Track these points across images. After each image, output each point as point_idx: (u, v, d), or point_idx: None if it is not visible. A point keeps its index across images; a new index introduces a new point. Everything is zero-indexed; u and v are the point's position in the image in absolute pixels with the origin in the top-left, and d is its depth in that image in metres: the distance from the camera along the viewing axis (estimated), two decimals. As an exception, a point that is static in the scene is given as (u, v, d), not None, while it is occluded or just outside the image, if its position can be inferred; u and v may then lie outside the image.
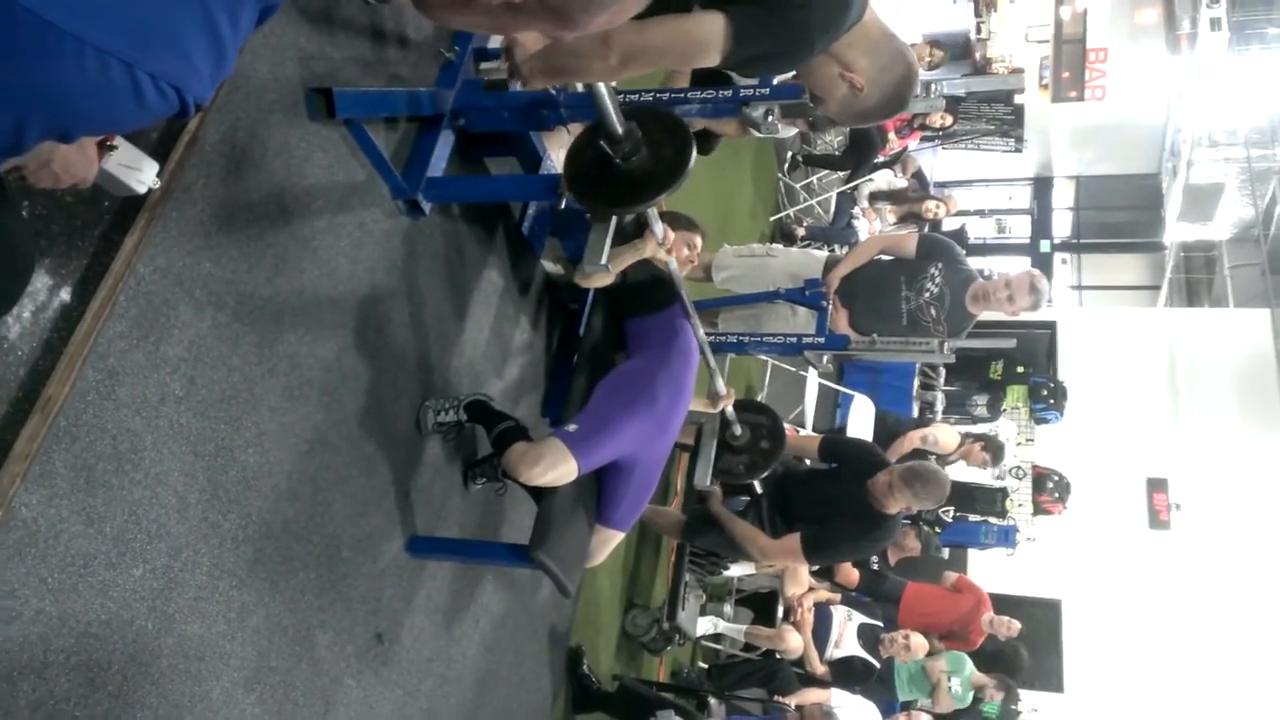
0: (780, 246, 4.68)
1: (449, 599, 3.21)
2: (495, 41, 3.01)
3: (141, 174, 1.74)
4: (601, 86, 2.14)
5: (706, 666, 5.63)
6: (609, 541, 3.24)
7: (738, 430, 3.95)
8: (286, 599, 2.42)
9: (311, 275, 2.47)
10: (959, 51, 6.88)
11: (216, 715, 2.21)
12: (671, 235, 3.03)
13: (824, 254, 4.46)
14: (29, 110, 0.77)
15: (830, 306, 3.98)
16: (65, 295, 1.84)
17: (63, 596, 1.83)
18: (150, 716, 2.03)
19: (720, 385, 3.65)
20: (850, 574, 6.02)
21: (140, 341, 1.97)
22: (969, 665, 5.98)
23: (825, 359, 3.94)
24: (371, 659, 2.79)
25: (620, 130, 2.25)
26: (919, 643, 5.77)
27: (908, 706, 5.69)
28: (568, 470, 2.82)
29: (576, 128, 2.80)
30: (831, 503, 3.97)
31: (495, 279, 3.38)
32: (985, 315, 4.17)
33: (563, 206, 2.77)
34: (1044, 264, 11.16)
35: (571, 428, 2.90)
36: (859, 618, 5.90)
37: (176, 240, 2.04)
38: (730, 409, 3.82)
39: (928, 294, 4.03)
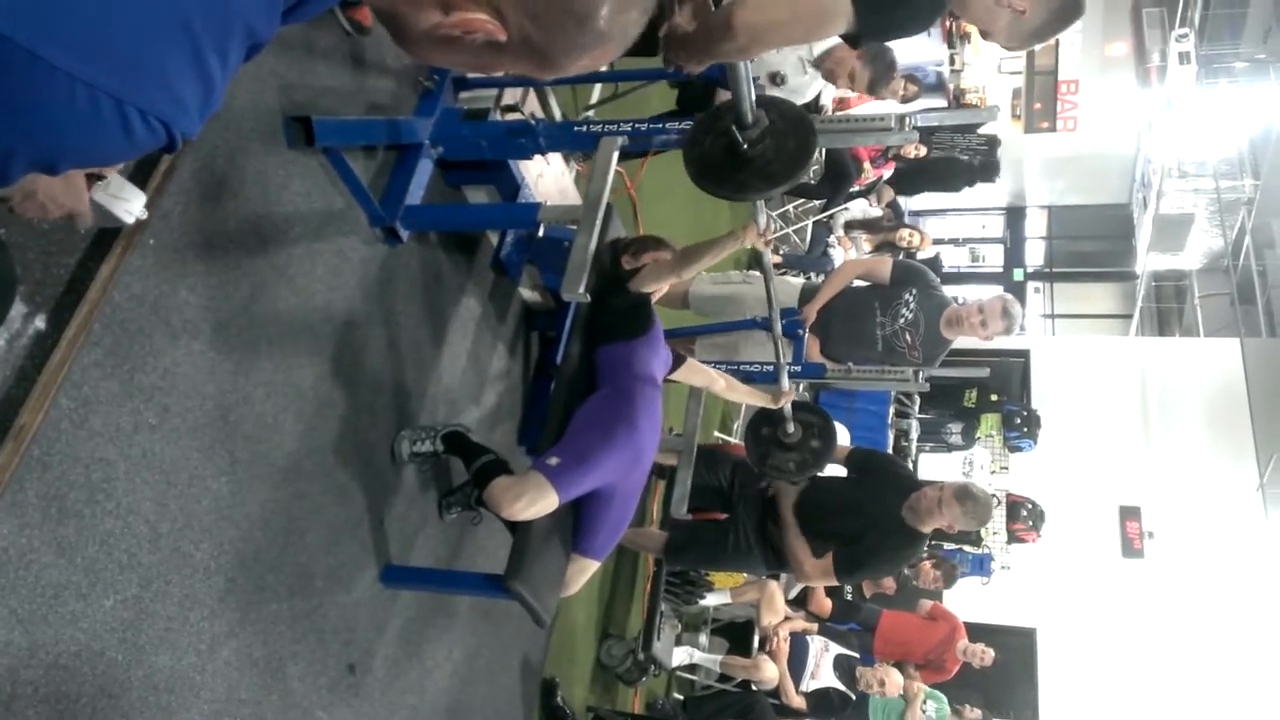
0: (758, 274, 4.69)
1: (422, 629, 3.19)
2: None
3: (130, 204, 1.74)
4: (741, 69, 2.07)
5: (682, 698, 5.60)
6: (586, 570, 3.23)
7: (790, 428, 3.93)
8: (258, 630, 2.39)
9: (288, 303, 2.46)
10: (934, 85, 6.98)
11: (186, 748, 2.18)
12: (771, 227, 3.04)
13: (800, 281, 4.47)
14: (16, 143, 0.77)
15: (805, 335, 4.00)
16: (40, 322, 1.83)
17: (32, 627, 1.80)
18: (118, 750, 1.99)
19: (785, 381, 3.66)
20: (824, 603, 6.02)
21: (115, 370, 1.96)
22: (945, 703, 5.97)
23: (801, 387, 3.93)
24: (343, 690, 2.76)
25: (751, 117, 2.22)
26: (895, 680, 5.76)
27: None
28: (549, 504, 2.82)
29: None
30: (858, 512, 3.89)
31: (473, 306, 3.38)
32: (960, 343, 4.20)
33: (541, 234, 2.78)
34: (1017, 292, 11.27)
35: (553, 460, 2.89)
36: (835, 648, 5.90)
37: (153, 268, 2.03)
38: (789, 406, 3.81)
39: (903, 319, 4.04)
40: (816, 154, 6.68)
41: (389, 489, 2.95)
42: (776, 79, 3.80)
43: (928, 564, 6.27)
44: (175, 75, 0.81)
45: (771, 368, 3.90)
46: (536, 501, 2.80)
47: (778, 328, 3.40)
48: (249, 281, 2.33)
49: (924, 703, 5.79)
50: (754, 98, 2.16)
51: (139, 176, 1.94)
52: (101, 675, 1.95)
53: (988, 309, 4.03)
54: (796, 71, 3.81)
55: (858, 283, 4.21)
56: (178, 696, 2.15)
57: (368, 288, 2.80)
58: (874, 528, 3.83)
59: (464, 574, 3.35)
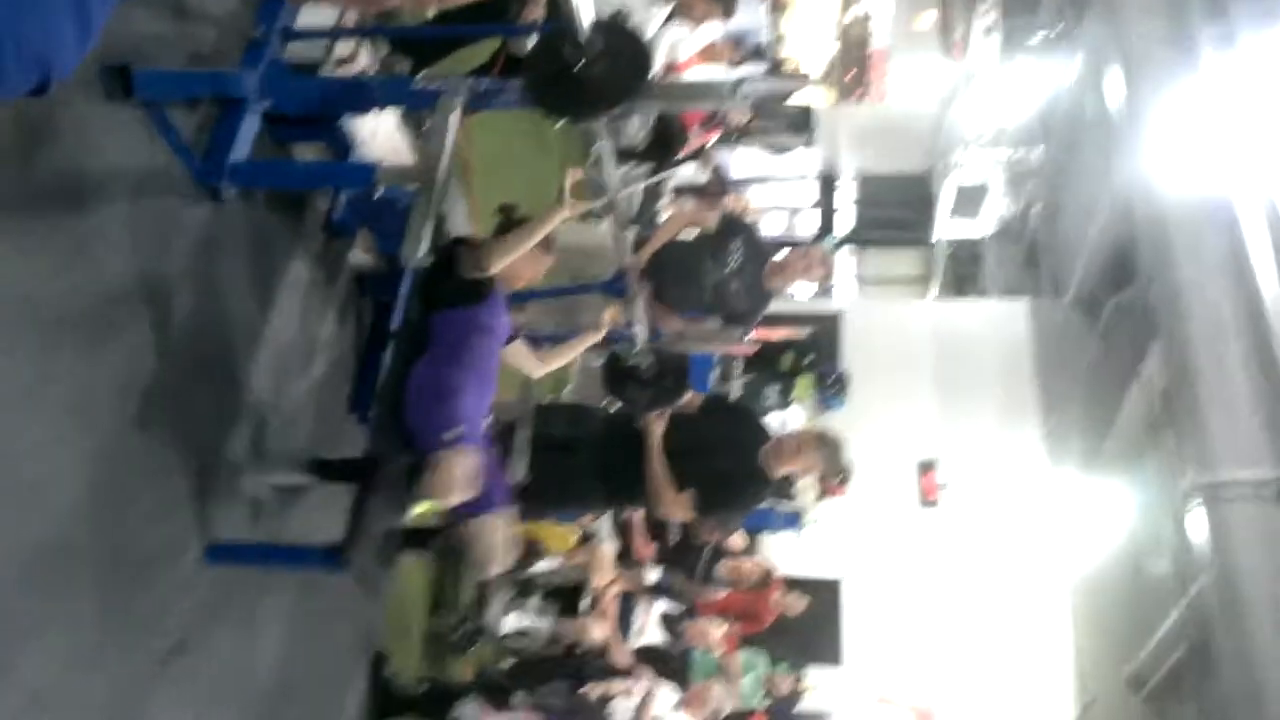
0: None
1: (249, 608, 3.07)
2: (304, 20, 2.89)
3: None
4: None
5: (513, 663, 5.62)
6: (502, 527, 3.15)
7: (645, 364, 3.93)
8: (67, 617, 2.24)
9: (106, 264, 2.30)
10: (756, 51, 7.15)
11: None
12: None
13: (630, 231, 4.49)
14: None
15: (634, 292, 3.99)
16: None
17: None
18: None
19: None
20: (644, 550, 6.07)
21: (-91, 341, 1.78)
22: (763, 664, 6.25)
23: (635, 350, 3.96)
24: (169, 674, 2.62)
25: (584, 38, 2.20)
26: (715, 635, 5.99)
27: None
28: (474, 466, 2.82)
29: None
30: (718, 453, 3.92)
31: (302, 270, 3.23)
32: (781, 307, 4.39)
33: (377, 195, 2.69)
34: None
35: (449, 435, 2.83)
36: (661, 604, 6.06)
37: (-46, 228, 1.85)
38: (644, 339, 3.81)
39: (729, 267, 4.18)
40: (649, 115, 6.78)
41: (213, 464, 2.81)
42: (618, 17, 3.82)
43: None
44: (53, 8, 0.73)
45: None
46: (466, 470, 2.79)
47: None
48: (60, 244, 2.16)
49: (741, 675, 6.06)
50: (589, 21, 2.16)
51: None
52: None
53: (811, 255, 4.37)
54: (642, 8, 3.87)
55: (685, 235, 4.33)
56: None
57: (190, 249, 2.64)
58: (734, 470, 3.89)
59: (293, 547, 3.22)
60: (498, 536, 3.12)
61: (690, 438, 4.02)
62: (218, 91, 2.62)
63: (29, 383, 2.06)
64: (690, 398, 4.20)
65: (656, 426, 3.90)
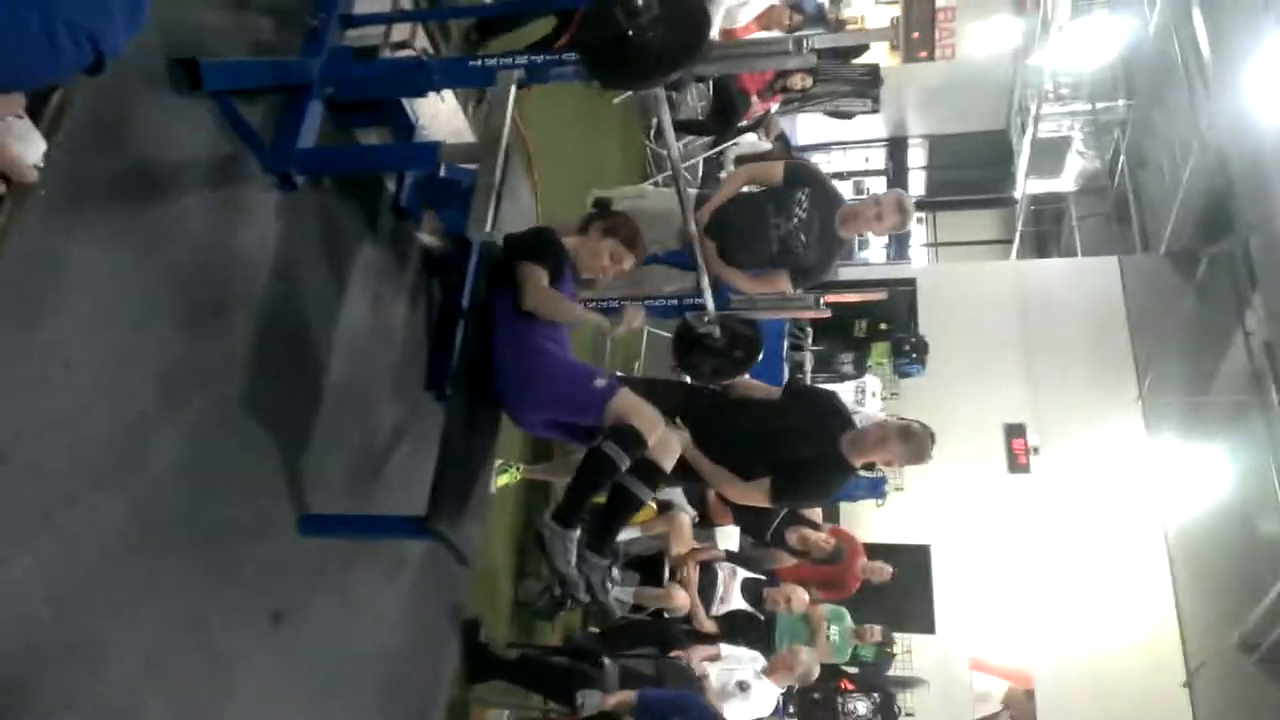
0: (649, 186, 4.66)
1: (344, 576, 3.19)
2: (363, 7, 2.97)
3: (32, 149, 1.68)
4: None
5: (598, 629, 5.73)
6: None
7: (716, 332, 3.93)
8: (177, 585, 2.37)
9: (184, 255, 2.41)
10: (816, 15, 7.06)
11: (112, 705, 2.16)
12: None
13: (693, 191, 4.42)
14: None
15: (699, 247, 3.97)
16: (-71, 281, 1.77)
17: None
18: (45, 710, 1.97)
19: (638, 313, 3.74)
20: (722, 514, 6.06)
21: (13, 326, 1.91)
22: (847, 617, 6.23)
23: (706, 318, 3.96)
24: (268, 641, 2.76)
25: (639, 2, 2.22)
26: (800, 597, 6.00)
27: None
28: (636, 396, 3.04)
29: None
30: (782, 438, 3.87)
31: (372, 253, 3.33)
32: (854, 272, 4.32)
33: (441, 174, 2.76)
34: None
35: (599, 383, 3.04)
36: (743, 573, 6.09)
37: (45, 220, 1.97)
38: (713, 309, 3.85)
39: (796, 220, 3.99)
40: (706, 85, 6.75)
41: (302, 440, 2.93)
42: None
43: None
44: None
45: (678, 301, 3.95)
46: (637, 401, 3.01)
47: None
48: (142, 233, 2.27)
49: (828, 627, 6.05)
50: None
51: (25, 124, 1.87)
52: (25, 634, 1.93)
53: (884, 202, 4.03)
54: None
55: (751, 187, 4.18)
56: (102, 651, 2.13)
57: (263, 236, 2.74)
58: (813, 458, 3.85)
59: (383, 518, 3.35)
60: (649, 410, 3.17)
61: (771, 424, 4.01)
62: (282, 80, 2.72)
63: (124, 360, 2.19)
64: (770, 389, 4.18)
65: (690, 451, 3.83)
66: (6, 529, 1.88)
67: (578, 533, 3.16)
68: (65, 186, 2.03)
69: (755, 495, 3.88)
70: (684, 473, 3.99)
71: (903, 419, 4.02)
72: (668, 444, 3.20)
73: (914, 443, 3.81)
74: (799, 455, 3.85)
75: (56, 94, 1.92)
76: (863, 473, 8.11)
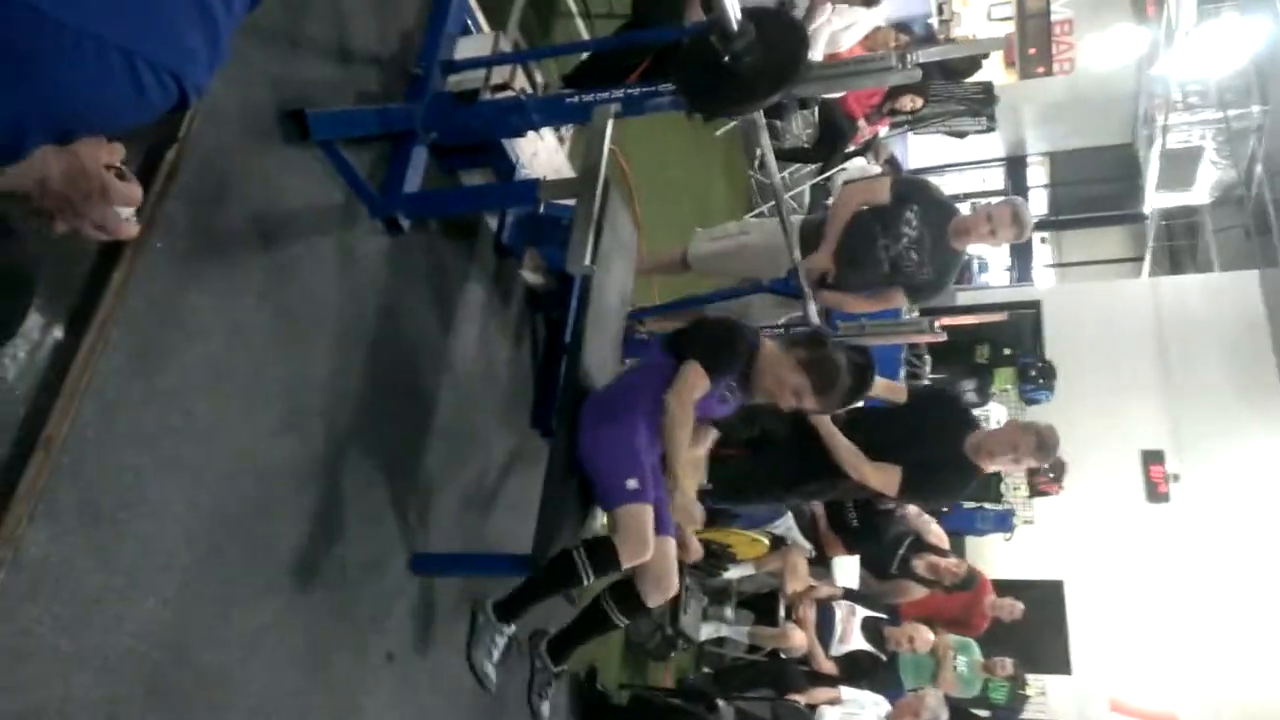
0: (753, 220, 4.64)
1: (454, 614, 3.22)
2: (462, 53, 3.04)
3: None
4: None
5: (712, 671, 5.63)
6: (671, 549, 3.14)
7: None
8: (297, 623, 2.42)
9: (297, 300, 2.49)
10: (925, 37, 6.93)
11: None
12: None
13: (798, 219, 4.34)
14: (26, 107, 0.76)
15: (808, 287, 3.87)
16: (58, 332, 1.85)
17: (77, 632, 1.83)
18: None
19: None
20: (835, 545, 5.90)
21: (136, 375, 1.99)
22: (975, 649, 5.98)
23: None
24: (384, 678, 2.80)
25: (736, 28, 2.20)
26: (924, 636, 5.78)
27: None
28: (648, 516, 2.89)
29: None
30: (914, 440, 3.86)
31: (478, 292, 3.40)
32: (970, 297, 4.20)
33: (541, 210, 2.79)
34: (1024, 243, 11.18)
35: (631, 484, 2.89)
36: (862, 611, 5.91)
37: (163, 271, 2.06)
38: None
39: (905, 239, 3.89)
40: (810, 112, 6.69)
41: (413, 478, 2.99)
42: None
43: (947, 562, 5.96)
44: (182, 25, 0.79)
45: (782, 329, 3.90)
46: (644, 523, 2.88)
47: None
48: (257, 281, 2.35)
49: (955, 658, 5.81)
50: (739, 9, 2.14)
51: (141, 179, 1.95)
52: (149, 676, 1.98)
53: (996, 216, 3.90)
54: None
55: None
56: (224, 691, 2.18)
57: (373, 280, 2.82)
58: (938, 456, 3.84)
59: (491, 556, 3.38)
60: (670, 560, 3.13)
61: (895, 430, 3.95)
62: (386, 127, 2.80)
63: (242, 406, 2.26)
64: (895, 390, 4.10)
65: (821, 420, 3.85)
66: (130, 571, 1.94)
67: (512, 629, 3.21)
68: (183, 238, 2.11)
69: (886, 479, 3.84)
70: (803, 470, 3.94)
71: (1040, 424, 3.93)
72: (660, 580, 3.11)
73: (1052, 447, 3.76)
74: (924, 455, 3.84)
75: (173, 149, 2.02)
76: (989, 506, 7.90)
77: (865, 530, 5.56)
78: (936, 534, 6.07)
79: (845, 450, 3.85)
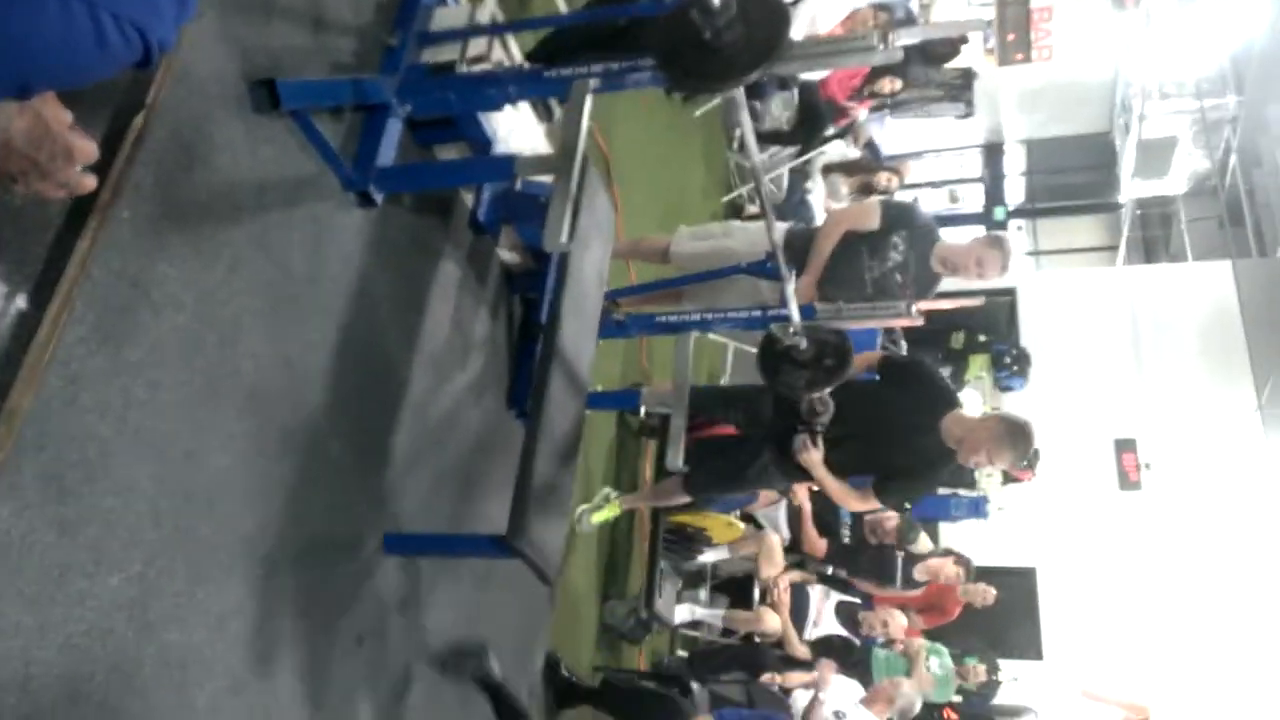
0: (738, 223, 4.64)
1: (427, 595, 3.19)
2: (438, 25, 2.99)
3: None
4: None
5: (686, 654, 5.63)
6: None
7: (803, 344, 3.91)
8: (265, 603, 2.39)
9: (268, 273, 2.44)
10: (905, 19, 6.89)
11: (199, 723, 2.18)
12: None
13: (784, 225, 4.39)
14: None
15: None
16: (21, 302, 1.80)
17: (40, 608, 1.79)
18: (133, 727, 2.00)
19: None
20: (817, 544, 5.96)
21: (100, 346, 1.94)
22: (946, 654, 6.02)
23: (791, 329, 3.88)
24: (353, 660, 2.77)
25: (717, 4, 2.18)
26: (897, 621, 5.81)
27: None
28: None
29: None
30: (883, 424, 3.94)
31: (452, 270, 3.35)
32: (946, 283, 4.22)
33: (518, 187, 2.75)
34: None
35: None
36: (836, 595, 5.94)
37: (130, 241, 2.01)
38: (799, 321, 3.75)
39: (891, 262, 4.01)
40: (790, 94, 6.67)
41: (383, 457, 2.95)
42: None
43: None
44: None
45: (757, 313, 3.88)
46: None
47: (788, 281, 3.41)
48: (227, 252, 2.30)
49: (927, 659, 5.84)
50: None
51: (107, 146, 1.91)
52: (113, 653, 1.95)
53: (987, 261, 4.04)
54: None
55: None
56: (190, 672, 2.15)
57: (345, 255, 2.77)
58: (921, 458, 3.91)
59: (465, 536, 3.35)
60: None
61: (867, 412, 4.02)
62: (360, 98, 2.74)
63: (209, 380, 2.21)
64: (865, 358, 4.11)
65: (813, 457, 3.94)
66: (94, 547, 1.90)
67: None
68: (149, 207, 2.06)
69: (869, 501, 4.08)
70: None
71: (1010, 416, 3.96)
72: None
73: (1025, 445, 3.78)
74: (874, 432, 3.95)
75: (140, 114, 1.97)
76: (963, 492, 7.92)
77: (854, 548, 5.95)
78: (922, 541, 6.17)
79: (834, 490, 4.04)
